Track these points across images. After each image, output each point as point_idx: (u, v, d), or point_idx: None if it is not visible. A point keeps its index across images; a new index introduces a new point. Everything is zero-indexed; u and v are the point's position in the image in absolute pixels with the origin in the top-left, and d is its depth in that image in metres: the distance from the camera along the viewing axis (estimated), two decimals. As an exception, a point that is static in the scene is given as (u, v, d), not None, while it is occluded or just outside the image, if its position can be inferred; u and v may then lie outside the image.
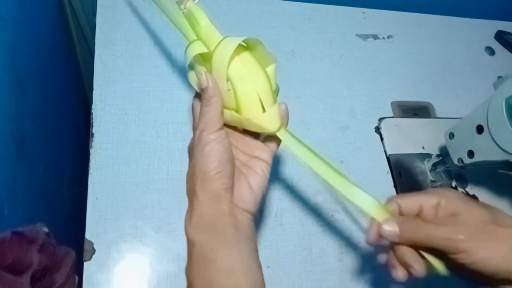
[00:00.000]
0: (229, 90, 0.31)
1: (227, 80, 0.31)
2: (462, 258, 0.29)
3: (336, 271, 0.48)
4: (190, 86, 0.54)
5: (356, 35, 0.66)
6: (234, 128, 0.34)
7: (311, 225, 0.50)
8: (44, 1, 0.54)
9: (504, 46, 0.74)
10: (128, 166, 0.47)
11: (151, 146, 0.49)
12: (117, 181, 0.46)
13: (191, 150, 0.32)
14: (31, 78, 0.46)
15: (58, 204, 0.57)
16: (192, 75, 0.33)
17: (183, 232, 0.45)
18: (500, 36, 0.74)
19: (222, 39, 0.31)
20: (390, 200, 0.33)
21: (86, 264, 0.41)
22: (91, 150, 0.47)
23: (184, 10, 0.33)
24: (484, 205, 0.31)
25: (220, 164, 0.30)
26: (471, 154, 0.47)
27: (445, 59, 0.69)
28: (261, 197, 0.33)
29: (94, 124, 0.49)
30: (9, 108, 0.38)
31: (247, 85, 0.31)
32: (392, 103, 0.61)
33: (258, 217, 0.48)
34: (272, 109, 0.31)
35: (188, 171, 0.32)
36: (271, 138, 0.34)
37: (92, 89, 0.50)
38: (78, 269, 0.38)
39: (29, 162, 0.43)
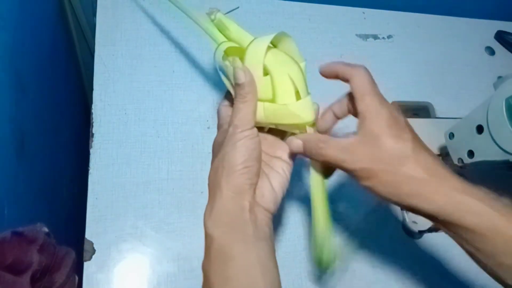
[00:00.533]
0: (266, 76, 0.32)
1: (263, 69, 0.32)
2: (353, 178, 0.30)
3: (336, 271, 0.48)
4: (190, 86, 0.54)
5: (356, 35, 0.66)
6: (259, 128, 0.35)
7: (311, 226, 0.50)
8: (44, 1, 0.54)
9: (504, 46, 0.74)
10: (128, 166, 0.47)
11: (151, 146, 0.49)
12: (117, 181, 0.46)
13: (218, 146, 0.32)
14: (31, 78, 0.46)
15: (58, 204, 0.57)
16: (227, 71, 0.33)
17: (183, 232, 0.46)
18: (500, 36, 0.74)
19: (255, 38, 0.32)
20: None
21: (86, 264, 0.41)
22: (91, 150, 0.47)
23: (214, 20, 0.34)
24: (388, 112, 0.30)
25: (249, 159, 0.30)
26: (471, 154, 0.47)
27: (445, 59, 0.69)
28: (282, 197, 0.33)
29: (94, 124, 0.49)
30: (9, 108, 0.38)
31: (283, 72, 0.32)
32: (392, 103, 0.61)
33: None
34: (307, 98, 0.32)
35: (212, 165, 0.32)
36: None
37: (92, 89, 0.50)
38: (78, 269, 0.38)
39: (29, 162, 0.43)
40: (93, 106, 0.50)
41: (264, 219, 0.31)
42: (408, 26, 0.70)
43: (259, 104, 0.32)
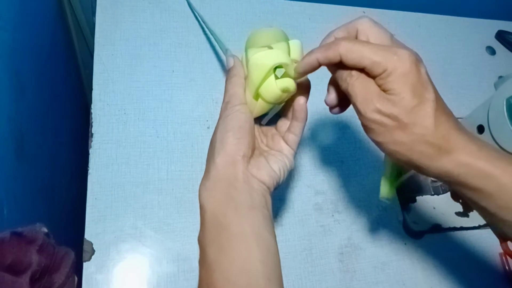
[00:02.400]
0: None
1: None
2: (366, 131, 0.30)
3: (336, 271, 0.48)
4: (189, 86, 0.54)
5: (357, 34, 0.66)
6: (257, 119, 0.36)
7: (311, 226, 0.50)
8: (44, 1, 0.54)
9: (505, 46, 0.74)
10: (128, 166, 0.47)
11: (150, 146, 0.49)
12: (116, 181, 0.46)
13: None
14: (31, 77, 0.46)
15: (57, 204, 0.56)
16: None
17: (183, 233, 0.45)
18: (501, 36, 0.74)
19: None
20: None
21: (85, 265, 0.41)
22: (90, 150, 0.47)
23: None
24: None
25: (240, 130, 0.31)
26: (471, 154, 0.46)
27: (445, 58, 0.69)
28: (280, 178, 0.33)
29: (93, 124, 0.48)
30: (8, 107, 0.38)
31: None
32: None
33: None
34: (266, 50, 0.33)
35: (210, 143, 0.33)
36: (290, 132, 0.35)
37: (91, 89, 0.50)
38: (78, 270, 0.38)
39: (29, 162, 0.43)
40: (92, 106, 0.49)
41: (259, 189, 0.31)
42: (409, 26, 0.70)
43: (254, 102, 0.33)
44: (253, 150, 0.32)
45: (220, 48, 0.41)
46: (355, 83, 0.29)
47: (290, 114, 0.36)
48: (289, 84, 0.33)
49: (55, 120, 0.58)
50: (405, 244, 0.51)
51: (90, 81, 0.51)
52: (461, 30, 0.73)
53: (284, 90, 0.32)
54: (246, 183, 0.30)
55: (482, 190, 0.27)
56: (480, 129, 0.45)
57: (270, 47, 0.33)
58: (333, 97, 0.34)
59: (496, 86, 0.68)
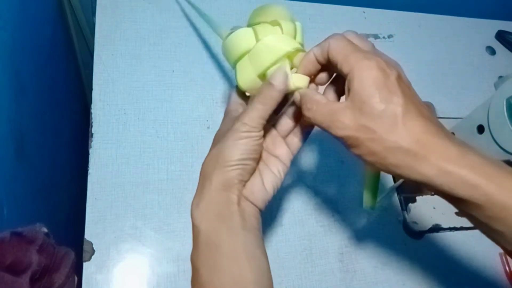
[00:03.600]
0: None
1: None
2: (344, 146, 0.29)
3: (336, 271, 0.48)
4: (189, 86, 0.54)
5: (357, 34, 0.66)
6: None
7: (311, 226, 0.50)
8: (44, 1, 0.54)
9: (505, 46, 0.74)
10: (128, 166, 0.47)
11: (150, 146, 0.49)
12: (116, 181, 0.46)
13: (222, 134, 0.32)
14: (31, 77, 0.46)
15: (57, 204, 0.56)
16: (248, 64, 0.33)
17: (183, 233, 0.45)
18: (501, 36, 0.74)
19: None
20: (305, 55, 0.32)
21: (85, 265, 0.41)
22: (90, 150, 0.47)
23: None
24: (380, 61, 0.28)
25: (247, 158, 0.30)
26: (471, 154, 0.46)
27: (445, 58, 0.69)
28: (272, 196, 0.33)
29: (93, 124, 0.48)
30: (8, 108, 0.38)
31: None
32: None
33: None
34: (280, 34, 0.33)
35: (209, 153, 0.32)
36: (294, 135, 0.35)
37: (91, 89, 0.50)
38: (78, 270, 0.38)
39: (29, 162, 0.43)
40: (92, 106, 0.49)
41: (252, 211, 0.31)
42: (409, 26, 0.70)
43: (247, 67, 0.32)
44: (252, 174, 0.32)
45: (215, 31, 0.38)
46: (315, 113, 0.30)
47: (294, 114, 0.34)
48: (303, 83, 0.32)
49: (55, 120, 0.58)
50: (405, 244, 0.51)
51: (90, 81, 0.51)
52: (461, 30, 0.73)
53: (296, 88, 0.32)
54: (240, 206, 0.30)
55: (468, 200, 0.25)
56: (480, 129, 0.45)
57: (278, 23, 0.33)
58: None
59: (496, 86, 0.68)
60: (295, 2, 0.65)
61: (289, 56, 0.32)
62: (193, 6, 0.52)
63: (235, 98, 0.35)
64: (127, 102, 0.51)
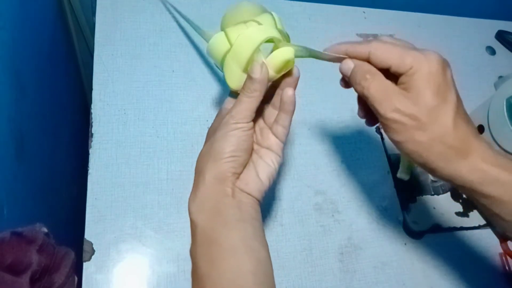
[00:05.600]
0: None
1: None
2: (384, 130, 0.29)
3: (336, 271, 0.48)
4: (189, 86, 0.54)
5: (357, 34, 0.66)
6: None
7: (311, 226, 0.50)
8: (44, 1, 0.54)
9: (505, 46, 0.74)
10: (128, 166, 0.47)
11: (150, 146, 0.49)
12: (116, 181, 0.46)
13: (213, 131, 0.33)
14: (31, 77, 0.46)
15: (57, 204, 0.56)
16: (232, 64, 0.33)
17: (183, 233, 0.45)
18: (501, 36, 0.74)
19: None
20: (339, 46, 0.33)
21: (85, 265, 0.41)
22: (90, 150, 0.47)
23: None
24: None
25: (238, 150, 0.30)
26: (471, 154, 0.46)
27: (445, 58, 0.68)
28: (269, 187, 0.33)
29: (93, 124, 0.48)
30: (8, 108, 0.38)
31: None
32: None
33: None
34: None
35: (202, 150, 0.32)
36: (278, 124, 0.35)
37: (91, 89, 0.50)
38: (78, 270, 0.38)
39: (29, 162, 0.43)
40: (92, 106, 0.49)
41: (249, 202, 0.31)
42: (409, 26, 0.70)
43: (232, 64, 0.33)
44: (245, 166, 0.32)
45: (202, 37, 0.40)
46: (370, 85, 0.30)
47: (278, 104, 0.35)
48: (289, 55, 0.32)
49: (55, 120, 0.58)
50: (405, 244, 0.51)
51: (90, 81, 0.51)
52: (461, 30, 0.73)
53: (286, 63, 0.32)
54: (235, 197, 0.30)
55: (496, 197, 0.27)
56: (480, 129, 0.45)
57: (256, 21, 0.33)
58: (360, 112, 0.35)
59: (496, 86, 0.68)
60: (295, 2, 0.65)
61: (275, 43, 0.33)
62: (180, 14, 0.52)
63: (229, 99, 0.36)
64: (127, 102, 0.51)
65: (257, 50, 0.32)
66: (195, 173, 0.32)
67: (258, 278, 0.28)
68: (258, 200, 0.32)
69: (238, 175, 0.31)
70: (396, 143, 0.30)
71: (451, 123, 0.28)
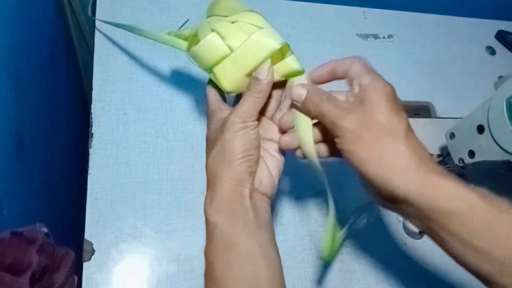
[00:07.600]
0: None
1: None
2: (338, 143, 0.30)
3: (336, 271, 0.48)
4: (189, 85, 0.54)
5: (357, 34, 0.66)
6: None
7: (311, 226, 0.50)
8: (44, 1, 0.54)
9: (504, 45, 0.74)
10: (128, 166, 0.47)
11: (150, 146, 0.49)
12: (116, 181, 0.46)
13: (214, 133, 0.33)
14: (31, 78, 0.46)
15: (57, 204, 0.56)
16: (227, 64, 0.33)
17: (183, 233, 0.45)
18: (501, 36, 0.74)
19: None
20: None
21: (85, 265, 0.41)
22: (90, 150, 0.47)
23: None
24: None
25: (250, 148, 0.31)
26: (472, 154, 0.46)
27: (445, 58, 0.69)
28: (278, 181, 0.34)
29: (93, 124, 0.48)
30: (8, 108, 0.38)
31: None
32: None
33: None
34: (268, 29, 0.33)
35: (211, 154, 0.32)
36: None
37: (91, 89, 0.50)
38: (78, 270, 0.38)
39: (29, 162, 0.43)
40: (92, 106, 0.49)
41: (263, 205, 0.32)
42: (409, 26, 0.70)
43: (230, 64, 0.32)
44: (258, 163, 0.32)
45: (172, 45, 0.38)
46: (323, 103, 0.30)
47: (277, 96, 0.35)
48: (299, 67, 0.32)
49: (55, 120, 0.58)
50: (405, 244, 0.51)
51: (90, 81, 0.51)
52: (461, 30, 0.73)
53: (292, 74, 0.32)
54: (252, 200, 0.31)
55: (452, 212, 0.26)
56: (480, 129, 0.45)
57: (251, 23, 0.33)
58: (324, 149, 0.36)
59: (496, 86, 0.68)
60: (295, 2, 0.65)
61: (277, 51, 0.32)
62: (142, 33, 0.47)
63: (213, 97, 0.35)
64: (127, 102, 0.51)
65: (268, 57, 0.32)
66: (209, 176, 0.32)
67: (273, 287, 0.29)
68: (270, 199, 0.33)
69: (254, 174, 0.32)
70: (347, 152, 0.29)
71: (403, 139, 0.28)
